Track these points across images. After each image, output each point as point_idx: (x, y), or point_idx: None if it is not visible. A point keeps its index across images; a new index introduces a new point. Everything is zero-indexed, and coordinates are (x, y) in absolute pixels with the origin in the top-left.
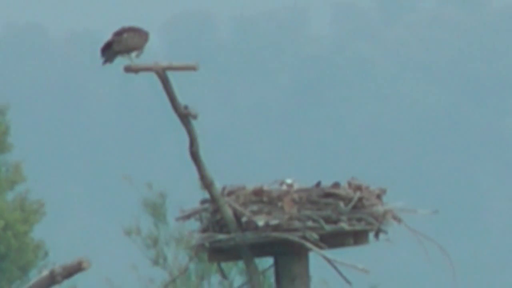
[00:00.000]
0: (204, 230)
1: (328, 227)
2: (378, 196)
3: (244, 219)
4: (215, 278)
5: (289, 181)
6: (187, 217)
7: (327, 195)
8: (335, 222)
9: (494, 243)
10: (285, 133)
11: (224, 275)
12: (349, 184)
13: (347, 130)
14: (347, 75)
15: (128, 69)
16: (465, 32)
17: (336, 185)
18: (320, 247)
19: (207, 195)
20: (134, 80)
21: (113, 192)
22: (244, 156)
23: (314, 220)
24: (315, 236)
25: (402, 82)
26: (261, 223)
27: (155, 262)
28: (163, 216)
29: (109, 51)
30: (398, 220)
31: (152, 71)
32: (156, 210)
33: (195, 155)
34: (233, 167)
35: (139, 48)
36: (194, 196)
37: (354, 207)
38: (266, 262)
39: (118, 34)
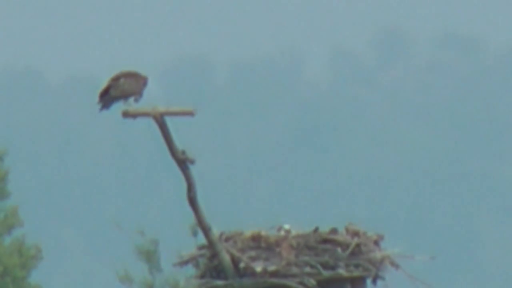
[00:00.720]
0: (201, 276)
1: (326, 273)
2: (376, 242)
3: (242, 265)
4: None
5: (287, 226)
6: (185, 262)
7: (325, 241)
8: (333, 268)
9: None
10: (283, 177)
11: None
12: (347, 230)
13: (344, 174)
14: (343, 119)
15: (126, 114)
16: (462, 76)
17: (334, 231)
18: None
19: (201, 241)
20: (132, 125)
21: (109, 237)
22: (242, 201)
23: (312, 266)
24: (313, 282)
25: (399, 126)
26: (259, 269)
27: None
28: (157, 262)
29: (106, 96)
30: (396, 266)
31: (150, 116)
32: (150, 257)
33: (193, 201)
34: (230, 212)
35: (136, 93)
36: (191, 241)
37: (352, 253)
38: None
39: (115, 79)
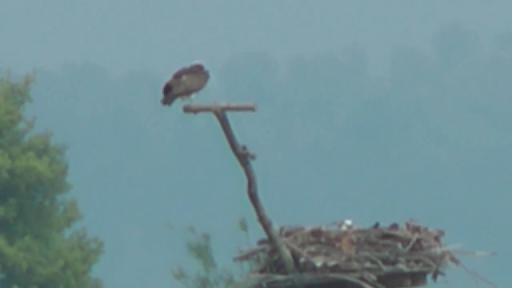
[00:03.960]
0: (261, 271)
1: (386, 268)
2: (436, 238)
3: (302, 259)
4: None
5: (348, 222)
6: (245, 257)
7: (385, 236)
8: (393, 263)
9: None
10: (343, 174)
11: None
12: (407, 226)
13: (405, 171)
14: (405, 117)
15: (187, 110)
16: None
17: (394, 226)
18: None
19: (250, 234)
20: (193, 120)
21: (167, 233)
22: (302, 196)
23: (372, 261)
24: (373, 277)
25: (460, 124)
26: (319, 264)
27: None
28: (210, 257)
29: (169, 93)
30: (456, 261)
31: (211, 111)
32: (201, 252)
33: (253, 196)
34: (290, 208)
35: (198, 90)
36: (246, 237)
37: (412, 249)
38: None
39: (178, 76)
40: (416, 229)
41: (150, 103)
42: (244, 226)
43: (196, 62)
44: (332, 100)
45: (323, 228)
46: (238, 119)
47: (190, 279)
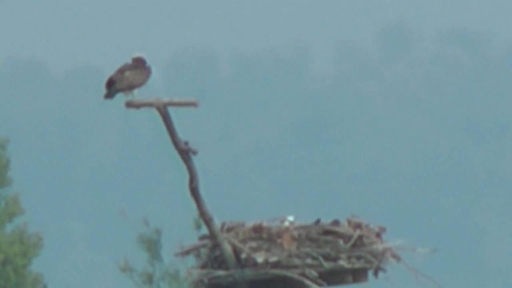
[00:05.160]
0: (203, 266)
1: (327, 265)
2: (378, 235)
3: (243, 255)
4: None
5: (291, 218)
6: (186, 252)
7: (327, 232)
8: (335, 259)
9: (493, 282)
10: (285, 170)
11: None
12: (349, 222)
13: (347, 167)
14: (347, 113)
15: (129, 105)
16: (466, 71)
17: (336, 222)
18: (319, 285)
19: (203, 232)
20: (135, 115)
21: (110, 227)
22: (244, 192)
23: (313, 258)
24: (314, 273)
25: (402, 119)
26: (260, 260)
27: None
28: (158, 252)
29: (112, 88)
30: (397, 258)
31: (153, 107)
32: (151, 246)
33: (195, 191)
34: (232, 204)
35: (140, 85)
36: (193, 232)
37: (354, 245)
38: None
39: (120, 71)
40: (358, 226)
41: (93, 99)
42: (198, 225)
43: (136, 54)
44: (274, 95)
45: (265, 224)
46: (180, 114)
47: (136, 273)
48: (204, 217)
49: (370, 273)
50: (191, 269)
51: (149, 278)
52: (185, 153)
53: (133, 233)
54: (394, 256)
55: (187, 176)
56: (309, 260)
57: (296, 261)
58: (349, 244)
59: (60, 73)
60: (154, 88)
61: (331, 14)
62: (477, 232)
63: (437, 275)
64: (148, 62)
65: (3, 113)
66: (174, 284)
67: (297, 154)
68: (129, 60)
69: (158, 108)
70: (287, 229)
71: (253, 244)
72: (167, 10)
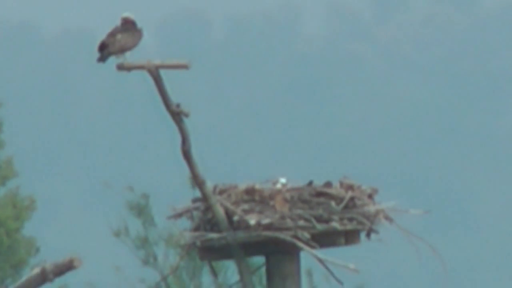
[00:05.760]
0: (195, 229)
1: (320, 227)
2: (370, 196)
3: (235, 218)
4: (207, 277)
5: (283, 180)
6: (179, 215)
7: (319, 194)
8: (327, 221)
9: (486, 243)
10: (277, 132)
11: (215, 274)
12: (341, 184)
13: (339, 128)
14: (339, 73)
15: (120, 67)
16: (457, 31)
17: (328, 184)
18: (312, 247)
19: (197, 194)
20: (126, 78)
21: (103, 190)
22: (236, 154)
23: (305, 219)
24: (306, 235)
25: (394, 81)
26: (252, 222)
27: (145, 262)
28: (150, 216)
29: (104, 51)
30: (390, 220)
31: (144, 69)
32: (141, 211)
33: (187, 154)
34: (224, 166)
35: (132, 48)
36: (185, 195)
37: (346, 207)
38: (258, 261)
39: (112, 35)
40: (350, 187)
41: (85, 61)
42: (194, 184)
43: (125, 14)
44: (266, 57)
45: (257, 186)
46: (172, 77)
47: (129, 238)
48: (197, 179)
49: (363, 235)
50: (183, 231)
51: (143, 243)
52: (177, 115)
53: (122, 198)
54: (387, 218)
55: (179, 139)
56: (301, 222)
57: (289, 223)
58: (341, 205)
59: (52, 35)
60: (146, 51)
61: None
62: (470, 192)
63: (430, 237)
64: (139, 24)
65: None
66: (169, 248)
67: (289, 115)
68: (118, 20)
69: (150, 71)
70: (279, 191)
71: (246, 206)
72: None
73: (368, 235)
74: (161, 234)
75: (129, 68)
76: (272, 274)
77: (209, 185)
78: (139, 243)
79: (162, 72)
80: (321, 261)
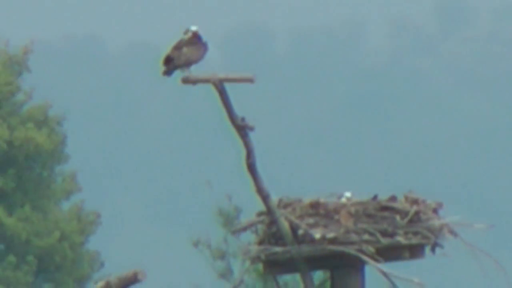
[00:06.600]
0: (260, 243)
1: (385, 241)
2: (435, 210)
3: (300, 231)
4: None
5: (348, 194)
6: (243, 229)
7: (384, 208)
8: (392, 235)
9: None
10: (342, 146)
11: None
12: (406, 198)
13: (403, 143)
14: (403, 88)
15: (185, 81)
16: None
17: (393, 198)
18: (376, 260)
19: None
20: (191, 91)
21: (169, 204)
22: (300, 168)
23: (370, 233)
24: (371, 249)
25: (458, 96)
26: (317, 236)
27: (222, 275)
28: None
29: (170, 65)
30: (455, 234)
31: (209, 83)
32: (230, 223)
33: (251, 167)
34: (289, 180)
35: (198, 61)
36: (251, 208)
37: (411, 221)
38: (322, 275)
39: (177, 48)
40: (415, 201)
41: (149, 74)
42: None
43: (192, 28)
44: (330, 72)
45: (322, 200)
46: (236, 90)
47: (209, 248)
48: (261, 193)
49: (427, 249)
50: (248, 245)
51: (222, 255)
52: (242, 129)
53: (183, 211)
54: (451, 232)
55: (243, 152)
56: (366, 236)
57: (353, 237)
58: (406, 220)
59: (116, 49)
60: (211, 64)
61: None
62: None
63: (494, 251)
64: (204, 37)
65: (60, 90)
66: (246, 262)
67: (353, 130)
68: (184, 34)
69: (215, 84)
70: (344, 205)
71: (310, 220)
72: None
73: (432, 249)
74: (241, 247)
75: (194, 82)
76: None
77: (274, 198)
78: (218, 255)
79: (227, 86)
80: (385, 275)
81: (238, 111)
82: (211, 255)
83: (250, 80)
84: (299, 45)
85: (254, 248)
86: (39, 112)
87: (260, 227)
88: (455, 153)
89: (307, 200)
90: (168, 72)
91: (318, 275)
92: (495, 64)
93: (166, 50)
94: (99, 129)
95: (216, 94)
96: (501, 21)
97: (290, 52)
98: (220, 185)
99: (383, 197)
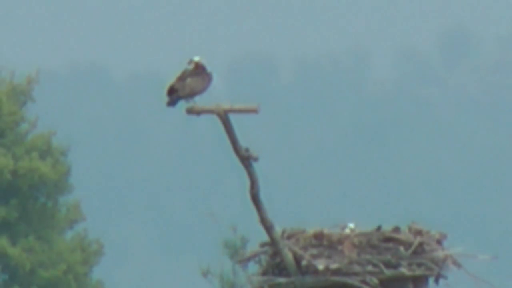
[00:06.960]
0: (264, 273)
1: (388, 272)
2: (438, 241)
3: (304, 262)
4: None
5: (351, 225)
6: (247, 259)
7: (387, 239)
8: (395, 266)
9: None
10: (346, 176)
11: None
12: (410, 229)
13: (407, 173)
14: (407, 117)
15: (190, 111)
16: None
17: (397, 229)
18: None
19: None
20: (195, 121)
21: (173, 233)
22: (304, 199)
23: (374, 265)
24: (375, 280)
25: (463, 125)
26: (321, 266)
27: None
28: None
29: (173, 95)
30: (458, 265)
31: (213, 113)
32: (236, 253)
33: (255, 198)
34: (293, 210)
35: (202, 92)
36: (254, 239)
37: (414, 252)
38: None
39: (182, 78)
40: (418, 233)
41: (153, 104)
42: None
43: (195, 58)
44: (335, 101)
45: (325, 231)
46: (241, 120)
47: (217, 279)
48: (265, 223)
49: (431, 280)
50: (251, 276)
51: (231, 285)
52: (246, 160)
53: (194, 239)
54: (455, 263)
55: (248, 183)
56: (370, 267)
57: (357, 268)
58: (410, 251)
59: (121, 78)
60: (215, 94)
61: (391, 19)
62: None
63: (498, 282)
64: (208, 67)
65: (64, 119)
66: None
67: (358, 159)
68: (188, 65)
69: (219, 115)
70: (348, 236)
71: (314, 251)
72: (226, 16)
73: (436, 280)
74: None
75: (198, 112)
76: None
77: (278, 229)
78: (228, 285)
79: (231, 116)
80: None
81: (242, 141)
82: (220, 286)
83: (254, 110)
84: (304, 74)
85: (258, 279)
86: (43, 140)
87: (264, 257)
88: (459, 183)
89: (310, 231)
90: (172, 103)
91: None
92: (501, 93)
93: (170, 79)
94: (103, 158)
95: (220, 125)
96: (506, 50)
97: (294, 81)
98: (225, 214)
99: (386, 227)
